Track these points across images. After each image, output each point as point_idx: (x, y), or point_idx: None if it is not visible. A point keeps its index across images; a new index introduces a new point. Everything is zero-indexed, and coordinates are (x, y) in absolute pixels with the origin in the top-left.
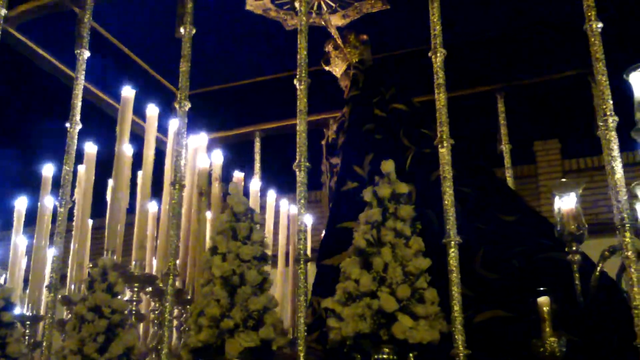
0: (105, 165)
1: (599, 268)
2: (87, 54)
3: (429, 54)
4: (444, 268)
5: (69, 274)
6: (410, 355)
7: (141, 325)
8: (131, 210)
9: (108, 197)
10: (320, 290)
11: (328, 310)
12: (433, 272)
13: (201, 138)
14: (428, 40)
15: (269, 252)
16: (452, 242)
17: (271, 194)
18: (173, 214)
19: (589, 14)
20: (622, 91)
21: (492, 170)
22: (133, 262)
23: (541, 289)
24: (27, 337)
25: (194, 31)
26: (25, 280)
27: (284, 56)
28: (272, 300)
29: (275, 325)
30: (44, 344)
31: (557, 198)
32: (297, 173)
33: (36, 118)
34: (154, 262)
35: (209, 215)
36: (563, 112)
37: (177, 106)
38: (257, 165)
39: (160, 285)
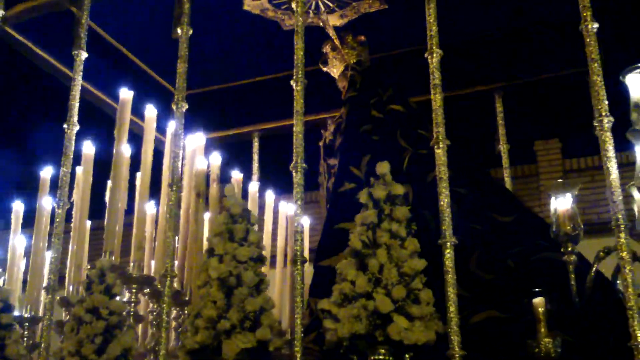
0: (104, 167)
1: (594, 269)
2: (84, 55)
3: (425, 55)
4: (440, 269)
5: (67, 276)
6: (406, 356)
7: (140, 327)
8: (130, 211)
9: (106, 198)
10: (317, 292)
11: (324, 311)
12: (429, 273)
13: (199, 139)
14: (426, 40)
15: (268, 253)
16: (448, 243)
17: (270, 195)
18: (170, 215)
19: (585, 14)
20: (621, 91)
21: (489, 171)
22: (131, 264)
23: (536, 289)
24: (25, 339)
25: (190, 32)
26: (24, 282)
27: (282, 56)
28: (268, 301)
29: (272, 326)
30: (42, 345)
31: (553, 199)
32: (294, 174)
33: (35, 119)
34: (153, 263)
35: (207, 216)
36: (563, 111)
37: (174, 107)
38: (256, 165)
39: (158, 286)
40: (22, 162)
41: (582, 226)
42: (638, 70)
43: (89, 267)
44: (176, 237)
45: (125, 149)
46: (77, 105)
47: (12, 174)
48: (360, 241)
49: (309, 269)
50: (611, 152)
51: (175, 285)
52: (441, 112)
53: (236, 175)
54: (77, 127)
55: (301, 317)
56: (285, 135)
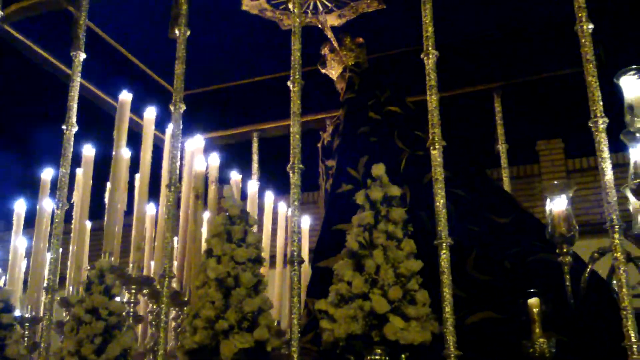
0: (104, 167)
1: (588, 269)
2: (82, 55)
3: (421, 56)
4: (437, 270)
5: (67, 276)
6: (402, 356)
7: (139, 327)
8: (130, 211)
9: (106, 200)
10: (315, 292)
11: (321, 311)
12: (426, 274)
13: (198, 140)
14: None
15: (267, 253)
16: (444, 244)
17: (269, 195)
18: (168, 215)
19: (580, 15)
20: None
21: (487, 172)
22: (131, 264)
23: (532, 290)
24: (26, 339)
25: (188, 33)
26: (25, 282)
27: (282, 56)
28: (266, 301)
29: (269, 326)
30: (42, 345)
31: (548, 200)
32: (291, 175)
33: (37, 120)
34: (152, 264)
35: (207, 216)
36: (566, 111)
37: (171, 108)
38: (255, 165)
39: (158, 287)
40: (23, 164)
41: (577, 227)
42: (632, 73)
43: (88, 267)
44: (175, 238)
45: (124, 151)
46: (75, 106)
47: (14, 175)
48: (356, 242)
49: (308, 269)
50: (606, 153)
51: (174, 285)
52: (437, 113)
53: (235, 176)
54: (75, 128)
55: (299, 317)
56: (284, 136)
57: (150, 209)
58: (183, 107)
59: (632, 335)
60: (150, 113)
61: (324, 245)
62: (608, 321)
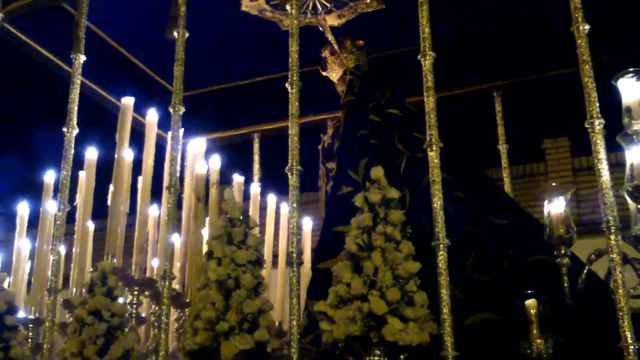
0: (108, 168)
1: (585, 271)
2: (82, 58)
3: (418, 57)
4: (436, 271)
5: (70, 277)
6: (401, 357)
7: (142, 328)
8: (133, 213)
9: (109, 202)
10: (315, 294)
11: (321, 313)
12: (426, 276)
13: (200, 143)
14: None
15: (269, 253)
16: (441, 245)
17: (271, 196)
18: (168, 217)
19: (576, 15)
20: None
21: (486, 173)
22: (133, 266)
23: (529, 291)
24: (30, 340)
25: (187, 35)
26: (29, 284)
27: (283, 56)
28: (266, 303)
29: (269, 327)
30: (45, 346)
31: (546, 202)
32: (290, 177)
33: (40, 122)
34: (155, 265)
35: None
36: (572, 109)
37: (171, 110)
38: (257, 166)
39: (160, 288)
40: (27, 166)
41: (575, 229)
42: (630, 75)
43: (91, 269)
44: (179, 240)
45: (126, 154)
46: (75, 108)
47: (17, 177)
48: (355, 244)
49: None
50: (602, 154)
51: (177, 287)
52: (434, 115)
53: (237, 178)
54: (76, 130)
55: (300, 319)
56: (286, 136)
57: (152, 210)
58: (182, 109)
59: (629, 336)
60: (152, 115)
61: (324, 247)
62: (606, 322)
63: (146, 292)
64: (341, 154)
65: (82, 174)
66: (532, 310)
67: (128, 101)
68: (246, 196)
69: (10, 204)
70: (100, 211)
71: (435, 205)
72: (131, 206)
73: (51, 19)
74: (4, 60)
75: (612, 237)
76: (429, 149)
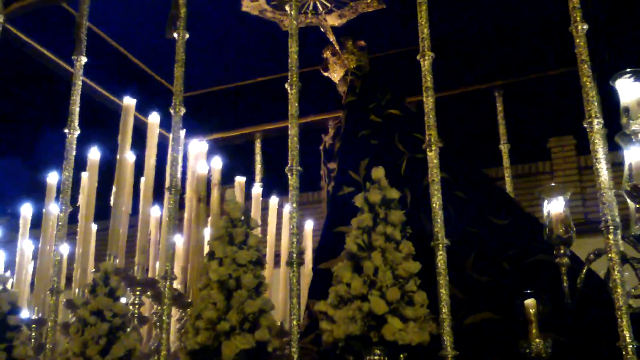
0: (111, 169)
1: (584, 271)
2: (84, 59)
3: (417, 57)
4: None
5: (73, 278)
6: (401, 356)
7: (145, 328)
8: (136, 213)
9: (112, 202)
10: (316, 293)
11: (321, 312)
12: (426, 275)
13: (201, 144)
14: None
15: (272, 253)
16: (440, 245)
17: (274, 196)
18: (169, 218)
19: (574, 15)
20: None
21: (486, 173)
22: (135, 266)
23: (529, 291)
24: (33, 340)
25: (187, 36)
26: (33, 284)
27: (284, 57)
28: (267, 303)
29: (270, 327)
30: (48, 346)
31: (545, 202)
32: (289, 177)
33: (44, 124)
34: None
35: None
36: (578, 108)
37: (172, 111)
38: (258, 166)
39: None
40: (30, 167)
41: (574, 229)
42: (627, 76)
43: (94, 269)
44: (181, 240)
45: (128, 155)
46: (77, 109)
47: (21, 179)
48: (355, 244)
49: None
50: (600, 154)
51: (179, 287)
52: (433, 115)
53: (239, 178)
54: (77, 132)
55: (301, 318)
56: (288, 137)
57: (155, 211)
58: (183, 110)
59: (627, 335)
60: (154, 117)
61: (325, 247)
62: (605, 322)
63: (148, 293)
64: (342, 154)
65: (84, 175)
66: (531, 310)
67: (130, 102)
68: (248, 197)
69: (14, 206)
70: (103, 212)
71: (434, 205)
72: (134, 207)
73: (52, 20)
74: (5, 62)
75: (611, 236)
76: (428, 149)
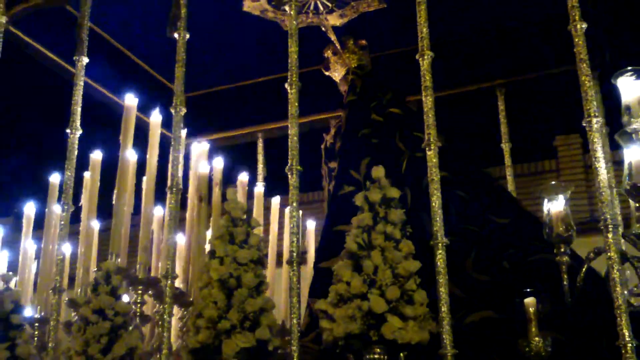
0: (115, 169)
1: (584, 269)
2: (85, 60)
3: (417, 57)
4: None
5: (76, 277)
6: (401, 355)
7: (148, 327)
8: (139, 213)
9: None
10: (317, 292)
11: (321, 311)
12: (427, 274)
13: (202, 144)
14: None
15: (274, 252)
16: (440, 244)
17: (276, 196)
18: (170, 217)
19: (573, 14)
20: None
21: (488, 172)
22: (138, 265)
23: (529, 290)
24: (35, 339)
25: (187, 36)
26: (36, 283)
27: (286, 56)
28: (268, 301)
29: (271, 326)
30: (50, 344)
31: (545, 201)
32: (289, 176)
33: (47, 124)
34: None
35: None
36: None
37: (172, 111)
38: (261, 166)
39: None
40: (33, 167)
41: (575, 227)
42: (629, 74)
43: (96, 269)
44: (183, 240)
45: (130, 155)
46: (79, 109)
47: (24, 179)
48: (355, 243)
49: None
50: (599, 153)
51: (181, 286)
52: (432, 114)
53: (242, 177)
54: (79, 132)
55: (302, 317)
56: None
57: (157, 210)
58: (184, 110)
59: (626, 334)
60: (156, 117)
61: (326, 246)
62: (605, 320)
63: (150, 291)
64: (343, 153)
65: (87, 175)
66: (530, 309)
67: (131, 101)
68: (251, 197)
69: (19, 206)
70: (106, 211)
71: (433, 204)
72: (138, 206)
73: (54, 20)
74: (7, 62)
75: (610, 235)
76: (427, 149)
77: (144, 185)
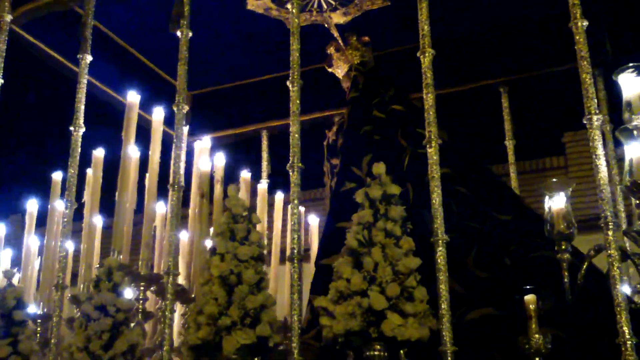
0: (117, 166)
1: (584, 266)
2: (89, 58)
3: (418, 54)
4: None
5: (79, 274)
6: (401, 352)
7: (151, 323)
8: (142, 210)
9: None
10: (318, 289)
11: (322, 308)
12: (427, 271)
13: (204, 141)
14: (434, 36)
15: (277, 249)
16: (440, 241)
17: (279, 193)
18: (172, 214)
19: (574, 11)
20: None
21: (490, 169)
22: (140, 262)
23: (529, 287)
24: (38, 335)
25: (190, 34)
26: (39, 280)
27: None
28: (269, 298)
29: (271, 322)
30: (52, 341)
31: (547, 197)
32: (291, 174)
33: (50, 121)
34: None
35: None
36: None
37: (175, 109)
38: (265, 163)
39: None
40: (36, 164)
41: (576, 225)
42: (630, 70)
43: (98, 265)
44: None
45: (132, 152)
46: (82, 107)
47: (27, 176)
48: (356, 240)
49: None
50: (600, 150)
51: (183, 283)
52: (433, 112)
53: (245, 174)
54: (83, 129)
55: (303, 314)
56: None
57: (160, 207)
58: (186, 108)
59: (626, 332)
60: (158, 114)
61: (328, 243)
62: (606, 317)
63: (152, 288)
64: (345, 150)
65: (89, 172)
66: (530, 306)
67: (133, 98)
68: (254, 194)
69: (20, 202)
70: (110, 209)
71: (434, 201)
72: (141, 204)
73: (57, 18)
74: (11, 60)
75: (610, 232)
76: (427, 146)
77: (146, 183)
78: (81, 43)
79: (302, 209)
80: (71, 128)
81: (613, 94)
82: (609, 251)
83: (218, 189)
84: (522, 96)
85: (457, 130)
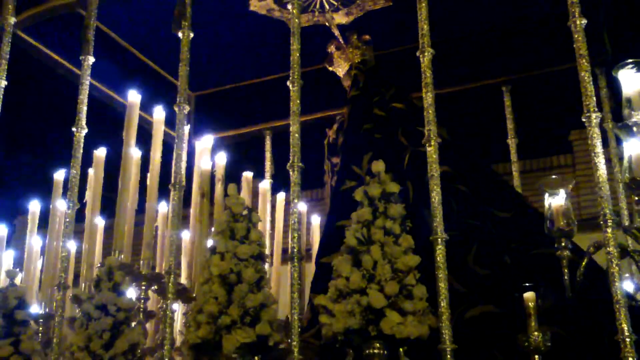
0: (118, 166)
1: (584, 263)
2: (91, 60)
3: (417, 54)
4: None
5: (80, 273)
6: (400, 350)
7: (152, 322)
8: (143, 209)
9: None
10: (318, 288)
11: (321, 306)
12: (427, 269)
13: (206, 140)
14: (434, 35)
15: (279, 249)
16: (439, 239)
17: (281, 192)
18: (173, 213)
19: (573, 10)
20: None
21: (491, 167)
22: (141, 261)
23: (528, 284)
24: (40, 335)
25: (191, 35)
26: (41, 280)
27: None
28: (269, 297)
29: (271, 321)
30: (54, 340)
31: (547, 195)
32: (291, 173)
33: (52, 122)
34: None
35: None
36: (599, 100)
37: (176, 109)
38: (268, 163)
39: None
40: (38, 165)
41: (576, 222)
42: (630, 66)
43: (99, 265)
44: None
45: (133, 151)
46: (85, 108)
47: (29, 176)
48: (355, 238)
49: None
50: (599, 148)
51: (185, 282)
52: (432, 111)
53: (246, 174)
54: (85, 130)
55: (303, 312)
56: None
57: (161, 207)
58: (187, 108)
59: (625, 329)
60: (159, 113)
61: (328, 241)
62: (607, 315)
63: (154, 287)
64: (345, 148)
65: (91, 172)
66: (530, 303)
67: (135, 98)
68: (255, 194)
69: (23, 203)
70: (112, 209)
71: (433, 200)
72: (142, 203)
73: (60, 20)
74: (13, 61)
75: (609, 230)
76: (427, 144)
77: (148, 182)
78: (83, 45)
79: (303, 208)
80: (73, 129)
81: (617, 92)
82: (608, 248)
83: (219, 188)
84: (527, 95)
85: (461, 129)
